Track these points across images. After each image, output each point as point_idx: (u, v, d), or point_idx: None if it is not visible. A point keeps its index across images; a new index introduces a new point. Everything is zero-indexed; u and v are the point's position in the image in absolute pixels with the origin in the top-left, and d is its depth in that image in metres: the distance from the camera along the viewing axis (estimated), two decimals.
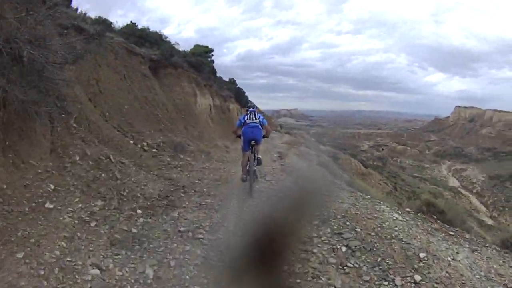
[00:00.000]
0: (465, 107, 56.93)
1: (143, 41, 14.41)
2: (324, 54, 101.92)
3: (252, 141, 6.28)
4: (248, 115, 6.43)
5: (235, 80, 24.93)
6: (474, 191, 36.71)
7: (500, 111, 48.41)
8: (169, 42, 16.54)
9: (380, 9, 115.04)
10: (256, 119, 6.38)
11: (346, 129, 53.44)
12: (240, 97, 24.13)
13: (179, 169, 7.64)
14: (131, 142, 8.12)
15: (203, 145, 11.60)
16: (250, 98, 27.11)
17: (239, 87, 24.85)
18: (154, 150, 8.57)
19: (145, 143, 8.57)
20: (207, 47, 20.71)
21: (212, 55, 21.04)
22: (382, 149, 45.88)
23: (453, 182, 38.44)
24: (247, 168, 6.31)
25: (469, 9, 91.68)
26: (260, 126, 6.40)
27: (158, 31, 16.49)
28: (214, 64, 21.21)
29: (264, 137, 6.57)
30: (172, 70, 14.29)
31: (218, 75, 21.44)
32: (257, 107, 8.73)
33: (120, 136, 7.85)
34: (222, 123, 16.77)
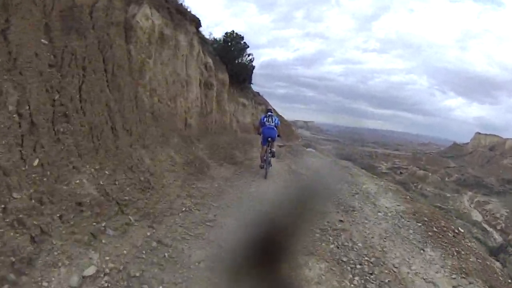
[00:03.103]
0: (485, 135, 55.14)
1: None
2: (347, 69, 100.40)
3: (269, 138, 8.08)
4: (267, 118, 8.33)
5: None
6: (498, 227, 34.71)
7: None
8: None
9: (407, 30, 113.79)
10: (272, 122, 8.27)
11: (362, 146, 51.70)
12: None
13: None
14: None
15: None
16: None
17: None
18: None
19: None
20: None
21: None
22: (401, 173, 43.92)
23: (476, 216, 36.45)
24: (264, 158, 8.07)
25: (495, 38, 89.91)
26: (275, 128, 8.28)
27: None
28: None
29: (278, 136, 8.49)
30: None
31: None
32: (273, 109, 11.45)
33: None
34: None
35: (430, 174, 41.60)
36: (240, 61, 19.79)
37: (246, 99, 21.92)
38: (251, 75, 22.95)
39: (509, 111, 77.40)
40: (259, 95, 25.32)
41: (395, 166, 45.98)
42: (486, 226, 34.49)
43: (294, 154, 14.06)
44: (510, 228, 35.28)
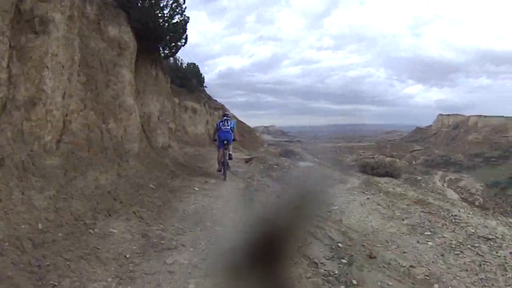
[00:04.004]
0: (448, 115, 54.34)
1: None
2: (304, 70, 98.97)
3: (225, 141, 8.31)
4: (223, 122, 8.58)
5: None
6: (477, 203, 32.16)
7: (485, 116, 45.56)
8: None
9: (359, 23, 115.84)
10: (228, 125, 8.50)
11: (325, 143, 48.87)
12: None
13: None
14: None
15: None
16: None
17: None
18: None
19: None
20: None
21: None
22: None
23: (451, 194, 33.85)
24: (222, 161, 8.31)
25: (447, 21, 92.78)
26: (231, 131, 8.47)
27: None
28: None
29: (233, 139, 8.57)
30: None
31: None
32: (231, 114, 12.49)
33: None
34: None
35: (397, 160, 38.98)
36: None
37: (197, 104, 19.19)
38: (201, 76, 21.40)
39: (469, 91, 78.51)
40: (214, 100, 23.11)
41: (360, 157, 43.19)
42: (464, 204, 31.78)
43: (274, 174, 9.99)
44: (489, 202, 32.93)
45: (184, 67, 19.79)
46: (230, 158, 8.40)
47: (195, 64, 21.16)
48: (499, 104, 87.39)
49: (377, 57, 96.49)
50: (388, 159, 40.83)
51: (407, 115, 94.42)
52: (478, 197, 33.52)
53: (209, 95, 22.38)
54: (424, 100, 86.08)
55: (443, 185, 36.13)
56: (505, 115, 44.49)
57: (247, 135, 25.90)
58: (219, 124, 8.55)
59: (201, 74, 21.88)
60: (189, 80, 19.39)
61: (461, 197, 34.26)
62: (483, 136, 44.55)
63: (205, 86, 22.34)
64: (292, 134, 53.01)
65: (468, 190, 35.04)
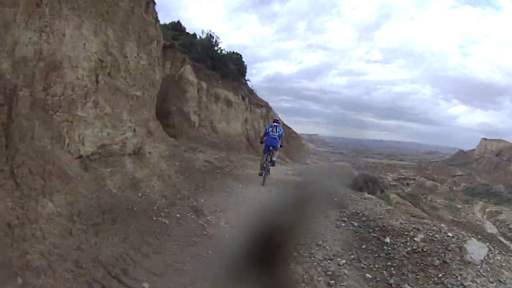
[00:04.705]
0: (491, 140, 53.82)
1: None
2: (351, 81, 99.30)
3: (271, 147, 8.42)
4: (272, 128, 8.72)
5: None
6: None
7: None
8: None
9: (409, 38, 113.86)
10: (276, 132, 8.59)
11: (366, 158, 50.57)
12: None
13: None
14: None
15: None
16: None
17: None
18: None
19: None
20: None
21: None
22: (408, 184, 42.61)
23: (490, 227, 34.90)
24: (264, 165, 8.38)
25: (496, 42, 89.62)
26: (278, 138, 8.55)
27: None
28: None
29: (280, 146, 8.74)
30: None
31: None
32: (280, 121, 11.04)
33: None
34: None
35: (438, 185, 40.22)
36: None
37: (234, 95, 15.44)
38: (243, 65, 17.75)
39: None
40: (257, 96, 19.23)
41: (402, 176, 44.71)
42: (502, 239, 32.92)
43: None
44: None
45: (221, 50, 16.09)
46: (273, 164, 8.53)
47: (237, 53, 17.80)
48: None
49: (424, 74, 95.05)
50: (429, 182, 42.14)
51: (449, 136, 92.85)
52: None
53: (251, 89, 18.50)
54: (468, 122, 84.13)
55: (482, 217, 37.15)
56: None
57: (293, 142, 24.30)
58: (268, 129, 8.80)
59: (243, 63, 17.91)
60: (226, 64, 15.75)
61: (499, 231, 35.21)
62: None
63: (248, 80, 18.65)
64: (333, 144, 54.68)
65: (508, 225, 35.87)
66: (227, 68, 15.71)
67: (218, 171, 8.98)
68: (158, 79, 7.32)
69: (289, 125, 23.72)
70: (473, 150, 54.88)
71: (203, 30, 15.89)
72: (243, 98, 16.48)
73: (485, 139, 54.98)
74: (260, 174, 8.43)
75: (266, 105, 19.57)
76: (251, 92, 18.33)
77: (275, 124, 8.93)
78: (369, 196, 8.64)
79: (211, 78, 14.49)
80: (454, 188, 43.34)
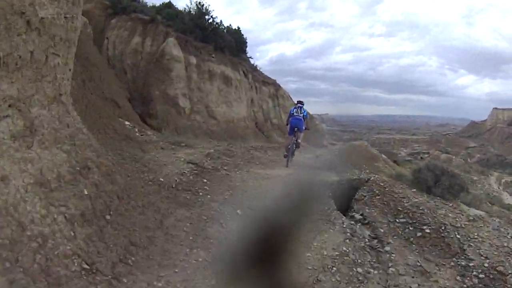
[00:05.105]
0: (503, 109, 53.29)
1: None
2: (356, 57, 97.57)
3: (296, 129, 8.19)
4: (296, 109, 8.44)
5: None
6: None
7: None
8: None
9: (412, 10, 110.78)
10: (301, 113, 8.32)
11: (378, 134, 50.49)
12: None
13: None
14: None
15: None
16: None
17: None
18: None
19: None
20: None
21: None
22: (422, 158, 42.70)
23: (507, 198, 35.23)
24: (289, 147, 8.26)
25: (500, 11, 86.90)
26: (303, 119, 8.30)
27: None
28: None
29: (305, 128, 8.52)
30: None
31: None
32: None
33: None
34: None
35: (453, 157, 40.28)
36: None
37: (234, 70, 12.69)
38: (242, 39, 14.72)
39: None
40: (262, 73, 16.58)
41: (415, 151, 44.79)
42: None
43: None
44: None
45: (214, 19, 12.67)
46: (298, 147, 8.35)
47: (237, 28, 14.80)
48: None
49: (429, 45, 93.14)
50: (444, 155, 42.22)
51: (459, 107, 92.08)
52: None
53: (254, 66, 15.79)
54: (477, 92, 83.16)
55: (498, 188, 37.41)
56: None
57: (308, 123, 25.02)
58: (292, 111, 8.53)
59: (243, 37, 14.92)
60: (220, 35, 12.73)
61: None
62: None
63: (250, 57, 15.84)
64: (344, 123, 54.58)
65: None
66: (221, 39, 12.68)
67: (205, 180, 5.57)
68: None
69: None
70: (485, 120, 54.53)
71: (191, 0, 12.64)
72: (245, 75, 13.68)
73: (496, 108, 54.47)
74: (285, 157, 8.29)
75: (274, 83, 17.01)
76: (254, 68, 15.57)
77: (299, 105, 8.53)
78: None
79: (202, 51, 11.92)
80: (469, 160, 43.45)
